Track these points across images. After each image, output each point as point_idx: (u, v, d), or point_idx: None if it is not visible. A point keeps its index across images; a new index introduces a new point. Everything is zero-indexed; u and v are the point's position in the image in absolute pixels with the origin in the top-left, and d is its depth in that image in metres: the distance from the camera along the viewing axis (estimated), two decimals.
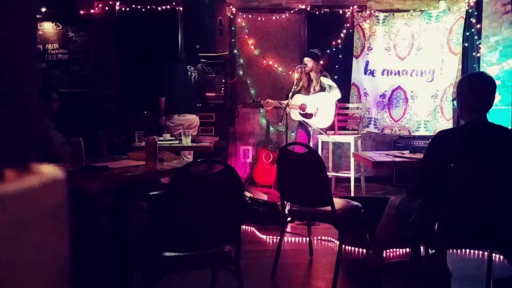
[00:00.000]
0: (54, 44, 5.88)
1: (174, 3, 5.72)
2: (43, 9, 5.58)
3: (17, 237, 0.33)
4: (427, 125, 5.43)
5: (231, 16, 5.85)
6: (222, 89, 5.75)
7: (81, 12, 5.79)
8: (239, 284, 2.09)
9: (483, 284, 2.51)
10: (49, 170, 0.38)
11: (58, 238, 0.38)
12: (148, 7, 5.79)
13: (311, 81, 4.76)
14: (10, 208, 0.32)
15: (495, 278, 2.54)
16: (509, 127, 3.95)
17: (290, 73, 5.77)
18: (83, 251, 2.46)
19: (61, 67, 5.90)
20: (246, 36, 5.94)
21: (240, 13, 5.90)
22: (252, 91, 5.97)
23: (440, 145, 2.25)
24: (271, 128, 5.96)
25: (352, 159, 4.99)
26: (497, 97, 4.38)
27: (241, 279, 2.09)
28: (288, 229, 3.72)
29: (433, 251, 2.39)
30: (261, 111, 5.97)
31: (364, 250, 3.19)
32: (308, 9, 5.86)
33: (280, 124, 4.76)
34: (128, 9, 5.82)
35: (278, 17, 5.94)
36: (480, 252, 3.26)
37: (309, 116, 4.71)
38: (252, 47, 5.94)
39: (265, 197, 4.47)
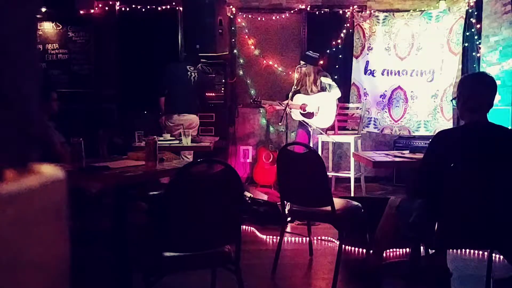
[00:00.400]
0: (54, 44, 5.87)
1: (174, 3, 5.72)
2: (43, 9, 5.58)
3: (17, 237, 0.33)
4: (427, 125, 5.43)
5: (231, 16, 5.85)
6: (222, 89, 5.75)
7: (81, 12, 5.79)
8: (239, 284, 2.09)
9: (483, 284, 2.51)
10: (49, 170, 0.38)
11: (58, 238, 0.38)
12: (148, 7, 5.79)
13: (310, 82, 4.77)
14: (10, 208, 0.32)
15: (495, 278, 2.53)
16: (509, 127, 3.94)
17: (290, 73, 5.77)
18: (83, 251, 2.46)
19: (61, 67, 5.90)
20: (246, 36, 5.94)
21: (240, 13, 5.90)
22: (252, 91, 5.97)
23: (440, 145, 2.25)
24: (271, 128, 5.96)
25: (352, 159, 4.99)
26: (497, 97, 4.38)
27: (241, 279, 2.09)
28: (288, 229, 3.72)
29: (433, 251, 2.39)
30: (261, 111, 5.96)
31: (364, 250, 3.19)
32: (308, 9, 5.85)
33: (280, 124, 4.76)
34: (128, 9, 5.82)
35: (278, 17, 5.94)
36: (480, 252, 3.26)
37: (310, 116, 4.71)
38: (252, 47, 5.94)
39: (265, 197, 4.47)
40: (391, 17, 5.55)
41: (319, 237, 3.61)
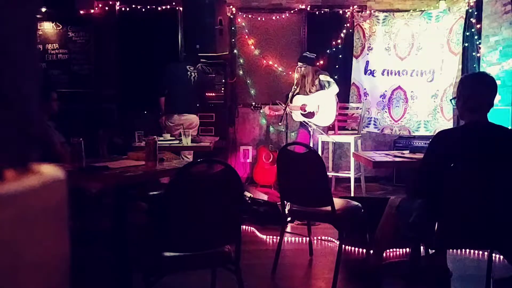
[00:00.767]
0: (54, 44, 5.87)
1: (174, 3, 5.72)
2: (43, 9, 5.58)
3: (17, 237, 0.33)
4: (427, 125, 5.43)
5: (231, 16, 5.85)
6: (222, 89, 5.75)
7: (81, 12, 5.79)
8: (239, 284, 2.09)
9: (483, 284, 2.51)
10: (49, 170, 0.38)
11: (58, 238, 0.38)
12: (148, 7, 5.79)
13: (309, 82, 4.77)
14: (10, 208, 0.32)
15: (495, 278, 2.53)
16: (509, 127, 3.94)
17: (290, 73, 5.77)
18: (83, 251, 2.46)
19: (61, 67, 5.90)
20: (246, 36, 5.94)
21: (240, 13, 5.90)
22: (252, 91, 5.97)
23: (440, 145, 2.25)
24: (271, 128, 5.96)
25: (352, 159, 4.99)
26: (497, 97, 4.38)
27: (241, 279, 2.09)
28: (288, 229, 3.72)
29: (433, 251, 2.39)
30: (261, 111, 5.96)
31: (364, 250, 3.19)
32: (308, 9, 5.85)
33: (280, 124, 4.76)
34: (128, 9, 5.82)
35: (278, 17, 5.93)
36: (480, 252, 3.26)
37: (311, 115, 4.71)
38: (252, 47, 5.94)
39: (265, 197, 4.47)
40: (391, 17, 5.55)
41: (319, 237, 3.61)
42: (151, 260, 2.00)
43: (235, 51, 5.94)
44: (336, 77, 5.43)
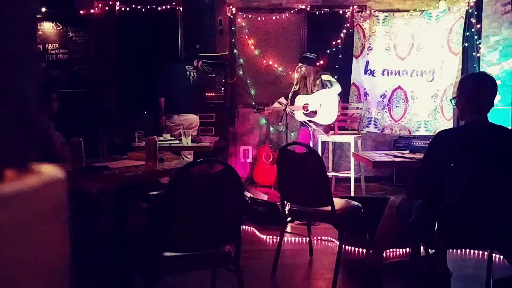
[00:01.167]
0: (54, 44, 5.87)
1: (174, 3, 5.72)
2: (43, 9, 5.58)
3: (17, 237, 0.33)
4: (427, 125, 5.43)
5: (231, 16, 5.85)
6: (222, 89, 5.75)
7: (81, 12, 5.79)
8: (239, 284, 2.09)
9: (483, 284, 2.51)
10: (49, 170, 0.38)
11: (58, 238, 0.38)
12: (148, 7, 5.79)
13: (311, 82, 4.77)
14: (10, 208, 0.32)
15: (495, 278, 2.53)
16: (509, 127, 3.94)
17: (290, 73, 5.77)
18: (83, 251, 2.46)
19: (61, 67, 5.90)
20: (246, 36, 5.94)
21: (240, 13, 5.90)
22: (252, 91, 5.97)
23: (440, 145, 2.25)
24: (271, 128, 5.96)
25: (352, 159, 4.99)
26: (497, 97, 4.38)
27: (241, 279, 2.09)
28: (288, 229, 3.72)
29: (433, 251, 2.39)
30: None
31: (364, 250, 3.19)
32: (308, 9, 5.85)
33: (280, 124, 4.76)
34: (128, 9, 5.82)
35: (278, 17, 5.93)
36: (480, 252, 3.26)
37: (313, 114, 4.72)
38: (252, 47, 5.94)
39: (265, 197, 4.47)
40: (391, 17, 5.55)
41: (319, 237, 3.61)
42: (151, 260, 2.00)
43: (235, 51, 5.94)
44: (336, 77, 5.42)
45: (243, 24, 5.92)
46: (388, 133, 5.68)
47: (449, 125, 5.24)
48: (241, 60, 5.98)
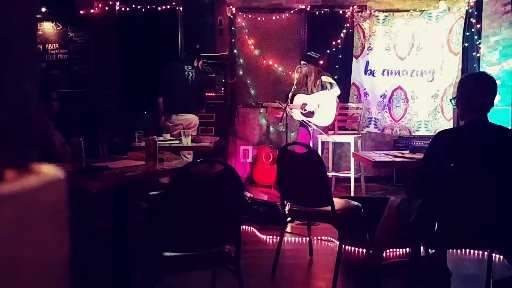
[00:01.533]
0: (54, 44, 5.87)
1: (174, 3, 5.72)
2: (43, 9, 5.58)
3: (17, 237, 0.33)
4: (428, 125, 5.43)
5: (231, 16, 5.85)
6: (222, 89, 5.75)
7: (81, 12, 5.79)
8: (239, 284, 2.09)
9: (483, 284, 2.51)
10: (49, 170, 0.38)
11: (58, 238, 0.38)
12: (148, 7, 5.79)
13: (311, 82, 4.77)
14: (10, 208, 0.32)
15: (495, 278, 2.53)
16: (509, 127, 3.94)
17: (290, 73, 5.77)
18: (83, 251, 2.46)
19: (61, 67, 5.90)
20: (246, 36, 5.94)
21: (240, 13, 5.90)
22: (252, 91, 5.97)
23: (440, 145, 2.25)
24: (271, 128, 5.96)
25: (352, 159, 4.99)
26: (497, 97, 4.38)
27: (241, 279, 2.09)
28: (288, 229, 3.72)
29: (433, 251, 2.39)
30: (261, 111, 5.97)
31: (364, 250, 3.19)
32: (308, 9, 5.85)
33: (280, 124, 4.76)
34: (128, 9, 5.82)
35: (278, 17, 5.93)
36: (480, 252, 3.26)
37: (310, 115, 4.71)
38: (252, 47, 5.94)
39: (265, 197, 4.48)
40: (391, 17, 5.55)
41: (319, 237, 3.61)
42: (151, 260, 2.00)
43: (235, 51, 5.94)
44: (336, 77, 5.42)
45: (243, 24, 5.92)
46: (388, 133, 5.68)
47: (449, 125, 5.24)
48: (241, 60, 5.98)
